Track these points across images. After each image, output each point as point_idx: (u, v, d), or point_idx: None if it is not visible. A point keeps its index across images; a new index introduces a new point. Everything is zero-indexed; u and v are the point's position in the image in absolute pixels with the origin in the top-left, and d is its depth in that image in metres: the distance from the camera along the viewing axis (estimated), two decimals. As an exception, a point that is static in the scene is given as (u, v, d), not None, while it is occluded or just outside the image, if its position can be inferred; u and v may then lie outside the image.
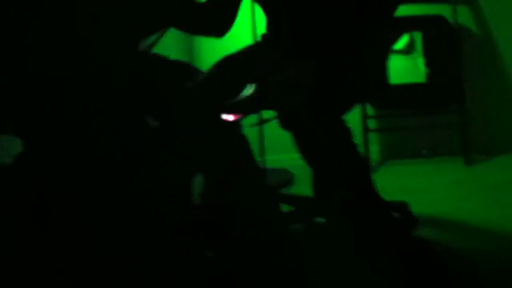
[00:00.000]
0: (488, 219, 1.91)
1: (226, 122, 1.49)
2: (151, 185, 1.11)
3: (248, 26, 2.64)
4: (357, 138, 2.67)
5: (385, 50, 1.88)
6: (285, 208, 1.98)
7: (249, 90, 1.54)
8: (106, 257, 0.99)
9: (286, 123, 1.56)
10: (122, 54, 0.96)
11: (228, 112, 1.47)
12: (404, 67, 2.64)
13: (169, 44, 1.67)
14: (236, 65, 1.75)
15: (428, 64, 2.63)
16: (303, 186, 2.02)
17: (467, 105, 2.70)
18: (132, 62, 0.98)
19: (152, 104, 1.15)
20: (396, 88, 2.60)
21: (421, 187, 2.37)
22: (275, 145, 2.62)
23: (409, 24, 2.66)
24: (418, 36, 2.65)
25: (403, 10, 2.29)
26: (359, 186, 1.57)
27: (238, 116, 1.49)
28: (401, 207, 1.87)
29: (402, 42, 2.65)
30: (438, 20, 2.67)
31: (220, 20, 1.66)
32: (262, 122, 2.54)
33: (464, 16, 2.76)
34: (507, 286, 1.37)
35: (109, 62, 0.94)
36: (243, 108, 1.54)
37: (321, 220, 1.87)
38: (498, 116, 2.85)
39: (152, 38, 1.48)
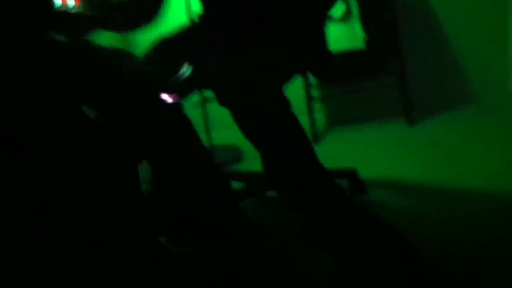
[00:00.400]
0: (431, 177, 1.97)
1: (167, 103, 1.46)
2: (99, 177, 1.07)
3: (182, 5, 2.59)
4: (301, 108, 2.70)
5: (323, 19, 1.87)
6: (236, 184, 1.98)
7: (186, 70, 1.52)
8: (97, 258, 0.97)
9: (223, 99, 1.53)
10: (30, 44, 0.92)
11: (166, 92, 1.44)
12: (342, 34, 2.66)
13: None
14: (173, 45, 1.72)
15: (365, 29, 2.66)
16: (253, 161, 2.02)
17: (406, 66, 2.76)
18: (53, 51, 0.94)
19: (87, 93, 1.11)
20: (336, 56, 2.62)
21: (367, 151, 2.42)
22: (222, 121, 2.60)
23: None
24: (354, 2, 2.67)
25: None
26: (302, 158, 1.58)
27: (176, 96, 1.47)
28: (350, 174, 1.90)
29: (338, 10, 2.66)
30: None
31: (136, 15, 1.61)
32: (204, 100, 2.52)
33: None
34: (454, 247, 1.41)
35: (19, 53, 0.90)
36: (180, 87, 1.51)
37: (272, 194, 1.88)
38: (437, 76, 2.93)
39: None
